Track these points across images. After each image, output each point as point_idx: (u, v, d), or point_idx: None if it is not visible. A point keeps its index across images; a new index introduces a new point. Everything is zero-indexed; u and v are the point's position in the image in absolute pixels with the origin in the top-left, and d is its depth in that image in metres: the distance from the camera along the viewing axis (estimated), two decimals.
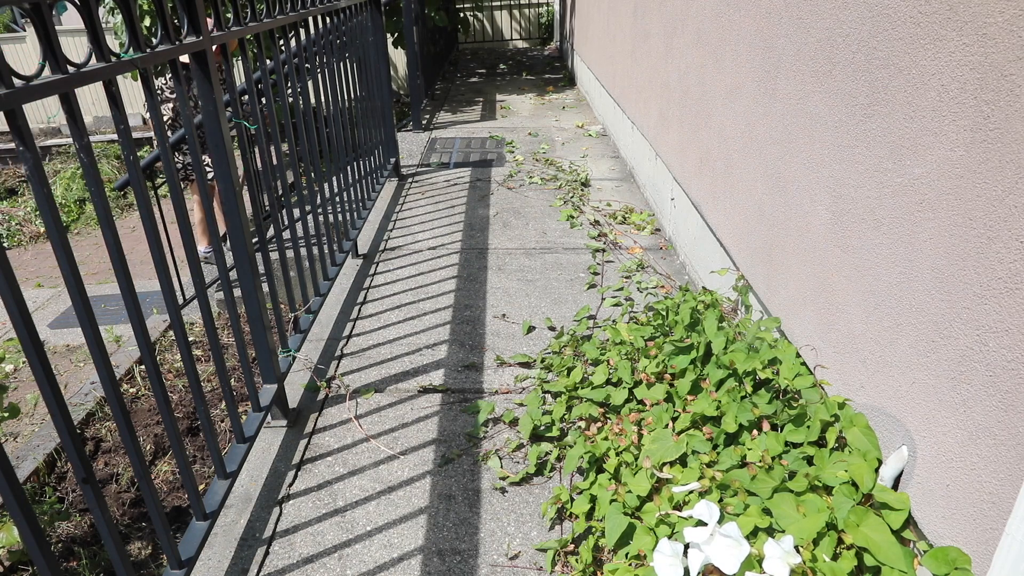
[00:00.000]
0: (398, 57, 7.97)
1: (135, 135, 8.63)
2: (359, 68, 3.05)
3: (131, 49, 1.20)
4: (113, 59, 1.14)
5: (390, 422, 1.92)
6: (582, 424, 1.75)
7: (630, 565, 1.30)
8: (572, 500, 1.56)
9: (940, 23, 1.12)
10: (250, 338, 1.84)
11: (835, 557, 1.16)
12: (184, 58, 1.50)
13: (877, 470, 1.28)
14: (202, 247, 3.93)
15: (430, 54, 6.34)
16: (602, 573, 1.39)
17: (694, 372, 1.69)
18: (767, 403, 1.45)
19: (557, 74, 7.33)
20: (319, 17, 2.45)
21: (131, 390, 2.65)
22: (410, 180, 3.94)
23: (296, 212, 2.76)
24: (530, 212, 3.39)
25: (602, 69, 4.92)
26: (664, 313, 1.97)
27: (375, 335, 2.35)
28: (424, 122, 5.27)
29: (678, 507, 1.37)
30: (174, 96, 3.24)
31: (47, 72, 1.00)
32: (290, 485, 1.71)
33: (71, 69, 1.04)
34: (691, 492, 1.36)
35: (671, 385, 1.72)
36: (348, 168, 2.82)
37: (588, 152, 4.34)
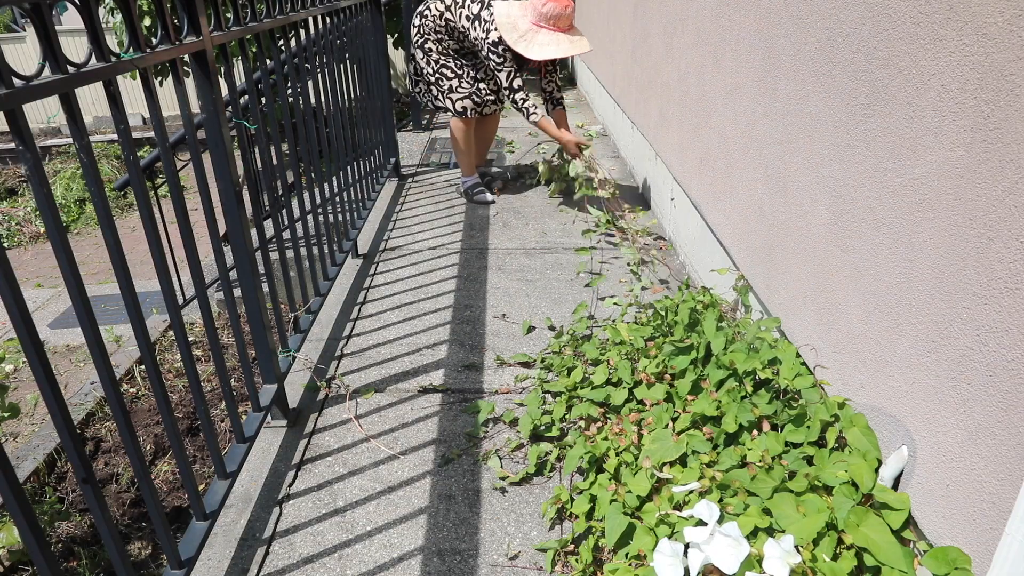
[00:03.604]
0: (398, 57, 7.97)
1: (135, 135, 8.64)
2: (359, 68, 3.05)
3: (131, 49, 1.20)
4: (113, 59, 1.14)
5: (390, 422, 1.92)
6: (582, 424, 1.75)
7: (630, 565, 1.30)
8: (572, 500, 1.56)
9: (940, 23, 1.12)
10: (250, 338, 1.84)
11: (835, 557, 1.16)
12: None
13: (877, 470, 1.29)
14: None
15: None
16: (602, 573, 1.39)
17: (694, 373, 1.69)
18: (767, 403, 1.45)
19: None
20: (319, 17, 2.45)
21: (131, 390, 2.65)
22: (410, 180, 3.94)
23: (296, 212, 2.76)
24: (530, 212, 3.39)
25: (602, 69, 4.92)
26: (663, 313, 1.97)
27: (375, 335, 2.35)
28: (424, 122, 5.27)
29: (678, 507, 1.37)
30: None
31: (47, 72, 1.00)
32: (290, 485, 1.71)
33: (71, 69, 1.04)
34: (691, 492, 1.36)
35: (671, 385, 1.73)
36: (348, 168, 2.82)
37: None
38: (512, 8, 2.96)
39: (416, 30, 3.21)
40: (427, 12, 3.15)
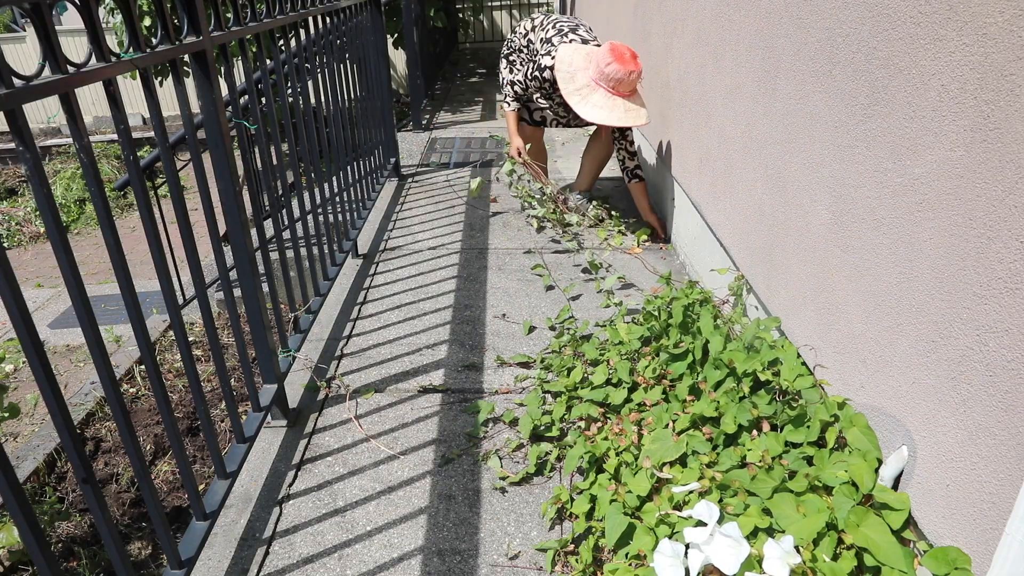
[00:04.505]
0: (398, 57, 7.97)
1: (135, 135, 8.64)
2: (359, 68, 3.05)
3: (131, 49, 1.20)
4: (113, 59, 1.14)
5: (390, 422, 1.92)
6: (582, 424, 1.75)
7: (630, 565, 1.30)
8: (572, 500, 1.56)
9: (940, 23, 1.12)
10: (250, 338, 1.84)
11: (835, 557, 1.16)
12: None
13: (877, 470, 1.29)
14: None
15: (430, 54, 6.34)
16: (602, 573, 1.39)
17: (691, 377, 1.69)
18: (767, 404, 1.45)
19: None
20: (319, 17, 2.45)
21: (131, 390, 2.65)
22: (410, 180, 3.94)
23: (296, 212, 2.76)
24: (530, 212, 3.38)
25: None
26: (656, 312, 1.96)
27: (375, 335, 2.35)
28: (424, 122, 5.27)
29: (678, 507, 1.37)
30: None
31: (47, 72, 1.00)
32: (290, 485, 1.71)
33: (71, 69, 1.04)
34: (691, 492, 1.36)
35: (671, 387, 1.73)
36: (348, 168, 2.82)
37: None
38: (577, 56, 2.79)
39: (507, 42, 3.28)
40: (519, 28, 3.20)
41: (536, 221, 3.19)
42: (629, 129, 3.07)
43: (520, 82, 3.10)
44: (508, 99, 3.17)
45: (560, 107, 3.14)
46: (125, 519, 2.07)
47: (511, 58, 3.26)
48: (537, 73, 2.96)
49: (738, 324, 1.87)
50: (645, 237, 3.00)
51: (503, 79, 3.25)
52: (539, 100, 3.16)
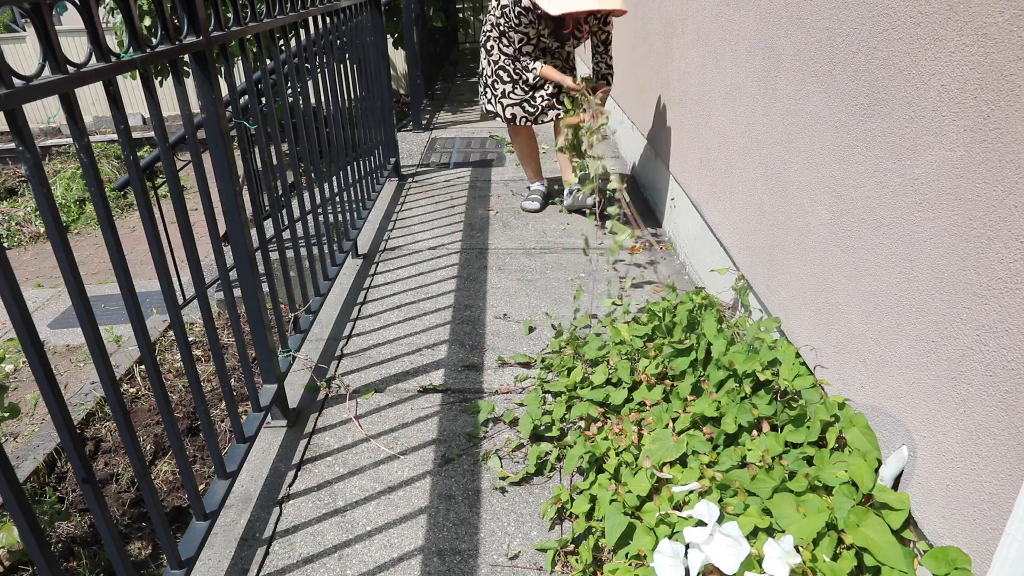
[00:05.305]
0: (398, 57, 7.97)
1: (135, 135, 8.63)
2: (359, 68, 3.05)
3: (131, 49, 1.20)
4: (113, 59, 1.14)
5: (390, 422, 1.92)
6: (582, 424, 1.75)
7: (630, 565, 1.30)
8: (572, 500, 1.56)
9: (940, 23, 1.12)
10: (250, 338, 1.84)
11: (835, 557, 1.16)
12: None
13: (877, 470, 1.29)
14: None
15: (430, 54, 6.34)
16: (602, 573, 1.39)
17: (693, 375, 1.69)
18: (767, 404, 1.45)
19: None
20: (319, 17, 2.45)
21: (131, 390, 2.65)
22: (410, 180, 3.94)
23: (296, 212, 2.76)
24: (530, 212, 3.38)
25: None
26: (660, 315, 1.97)
27: (375, 335, 2.35)
28: (424, 122, 5.27)
29: (678, 507, 1.37)
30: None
31: (47, 72, 1.00)
32: (290, 485, 1.71)
33: (71, 69, 1.04)
34: (691, 492, 1.36)
35: (672, 386, 1.73)
36: (348, 168, 2.82)
37: (588, 152, 4.33)
38: None
39: (483, 31, 3.16)
40: (490, 6, 3.07)
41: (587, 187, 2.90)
42: (610, 43, 2.99)
43: (514, 43, 2.95)
44: (530, 60, 3.02)
45: (543, 37, 2.95)
46: (125, 519, 2.07)
47: (489, 44, 3.10)
48: (513, 5, 2.82)
49: (742, 328, 1.87)
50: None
51: (492, 63, 3.09)
52: (526, 60, 3.00)
